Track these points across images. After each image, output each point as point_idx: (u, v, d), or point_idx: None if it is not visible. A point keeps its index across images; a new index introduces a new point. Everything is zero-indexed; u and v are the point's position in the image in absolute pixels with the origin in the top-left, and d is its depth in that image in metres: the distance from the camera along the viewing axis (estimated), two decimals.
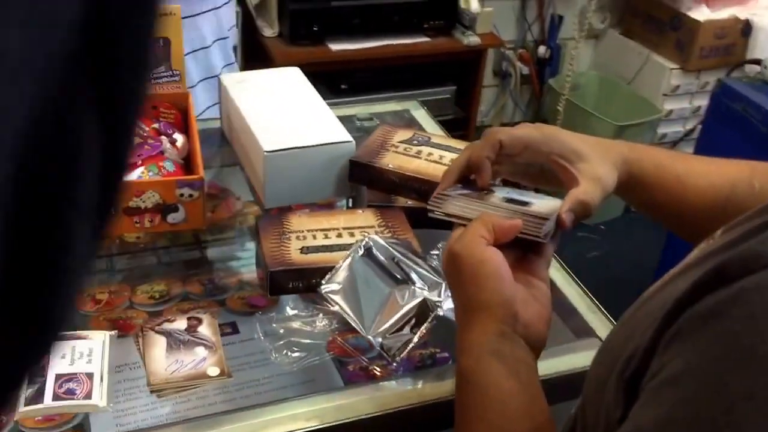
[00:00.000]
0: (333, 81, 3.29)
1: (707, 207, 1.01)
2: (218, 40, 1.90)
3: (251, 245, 1.50)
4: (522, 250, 0.95)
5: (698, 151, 2.20)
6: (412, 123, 1.85)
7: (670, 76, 3.87)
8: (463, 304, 0.92)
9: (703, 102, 3.90)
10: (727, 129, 2.08)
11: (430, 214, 1.03)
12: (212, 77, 1.87)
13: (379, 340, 1.17)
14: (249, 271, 1.42)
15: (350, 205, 1.53)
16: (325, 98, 1.62)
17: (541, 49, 4.07)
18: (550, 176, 1.05)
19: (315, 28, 3.27)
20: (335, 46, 3.31)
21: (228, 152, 1.66)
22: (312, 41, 3.29)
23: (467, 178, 1.06)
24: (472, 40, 3.47)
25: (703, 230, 0.77)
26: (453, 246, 0.92)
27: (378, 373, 1.20)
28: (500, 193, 1.05)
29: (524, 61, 4.09)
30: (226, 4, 1.89)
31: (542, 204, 1.00)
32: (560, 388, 1.16)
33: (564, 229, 0.96)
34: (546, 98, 4.14)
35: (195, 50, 1.82)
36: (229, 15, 1.94)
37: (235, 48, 2.01)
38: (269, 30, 3.27)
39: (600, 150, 1.01)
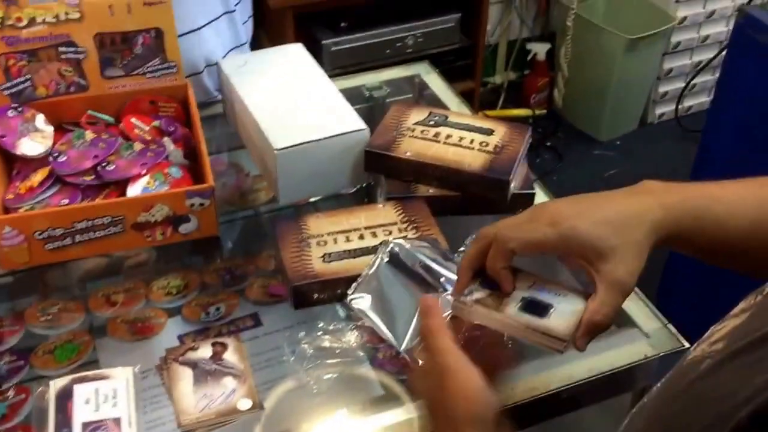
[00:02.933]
0: (332, 19, 3.17)
1: (756, 246, 0.93)
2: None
3: (265, 226, 1.48)
4: None
5: (721, 86, 2.10)
6: (424, 88, 1.77)
7: None
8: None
9: (716, 5, 3.80)
10: (751, 62, 1.99)
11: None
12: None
13: (413, 354, 1.11)
14: (266, 255, 1.38)
15: (364, 190, 1.47)
16: (324, 38, 1.54)
17: None
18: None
19: None
20: None
21: (233, 135, 1.59)
22: None
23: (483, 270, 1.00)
24: None
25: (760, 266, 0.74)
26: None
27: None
28: (521, 292, 0.98)
29: None
30: None
31: (564, 310, 0.95)
32: (609, 384, 1.17)
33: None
34: (553, 12, 4.02)
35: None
36: None
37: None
38: None
39: (627, 231, 0.92)
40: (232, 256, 1.42)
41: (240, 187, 1.54)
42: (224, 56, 1.74)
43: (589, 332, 0.92)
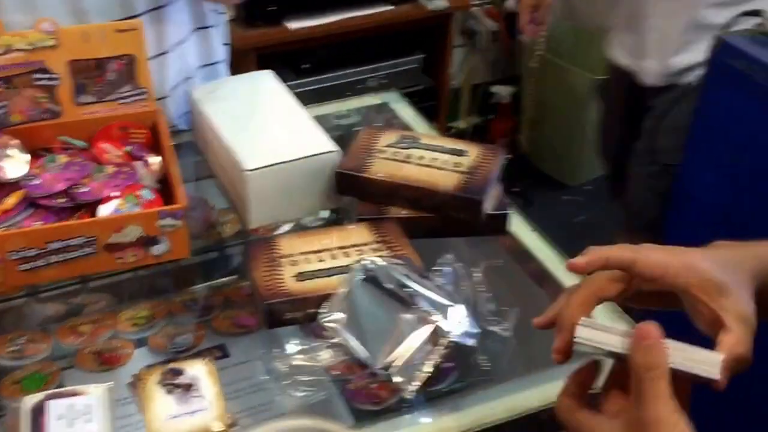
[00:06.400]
0: (294, 62, 3.21)
1: None
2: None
3: (232, 256, 1.47)
4: None
5: (699, 117, 2.10)
6: (393, 118, 1.79)
7: None
8: None
9: None
10: (729, 89, 2.00)
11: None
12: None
13: (389, 371, 1.11)
14: (234, 286, 1.38)
15: (335, 212, 1.47)
16: (287, 80, 1.56)
17: (510, 2, 3.96)
18: (664, 299, 0.92)
19: (271, 8, 3.17)
20: (293, 25, 3.21)
21: (200, 164, 1.60)
22: (268, 22, 3.19)
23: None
24: (438, 3, 3.37)
25: None
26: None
27: (383, 395, 1.15)
28: None
29: (492, 17, 3.98)
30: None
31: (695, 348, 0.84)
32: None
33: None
34: (517, 55, 4.05)
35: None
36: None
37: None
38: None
39: (737, 273, 0.88)
40: (199, 288, 1.41)
41: (206, 220, 1.54)
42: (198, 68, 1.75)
43: (731, 366, 0.82)
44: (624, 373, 0.81)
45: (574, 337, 0.85)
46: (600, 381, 0.87)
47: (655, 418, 0.75)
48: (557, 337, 0.89)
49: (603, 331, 0.84)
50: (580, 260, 0.90)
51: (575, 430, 0.83)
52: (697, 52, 2.14)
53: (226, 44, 1.83)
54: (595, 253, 0.90)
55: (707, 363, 0.80)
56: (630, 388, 0.79)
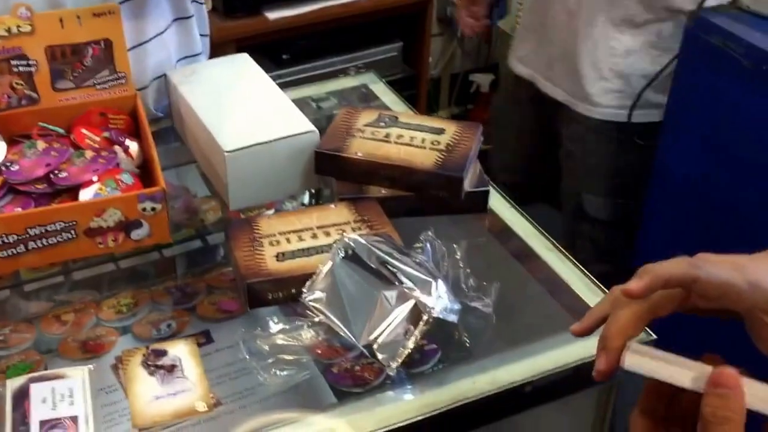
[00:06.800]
0: (274, 52, 3.20)
1: None
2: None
3: (215, 244, 1.46)
4: None
5: (675, 93, 2.10)
6: (369, 98, 1.79)
7: None
8: None
9: None
10: (705, 66, 2.00)
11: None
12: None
13: (372, 348, 1.11)
14: (216, 273, 1.37)
15: (315, 195, 1.48)
16: (267, 71, 1.56)
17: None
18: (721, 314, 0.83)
19: None
20: (273, 15, 3.19)
21: (180, 150, 1.60)
22: (248, 12, 3.17)
23: None
24: None
25: None
26: None
27: (366, 377, 1.15)
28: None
29: None
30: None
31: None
32: (571, 379, 1.14)
33: None
34: (497, 43, 4.04)
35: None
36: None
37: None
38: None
39: None
40: (182, 275, 1.41)
41: (188, 208, 1.54)
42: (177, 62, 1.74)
43: None
44: (688, 402, 0.75)
45: (624, 366, 0.76)
46: None
47: None
48: (601, 356, 0.80)
49: (658, 360, 0.74)
50: (638, 285, 0.80)
51: None
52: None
53: (204, 35, 1.83)
54: (653, 274, 0.80)
55: None
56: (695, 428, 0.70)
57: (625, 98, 2.16)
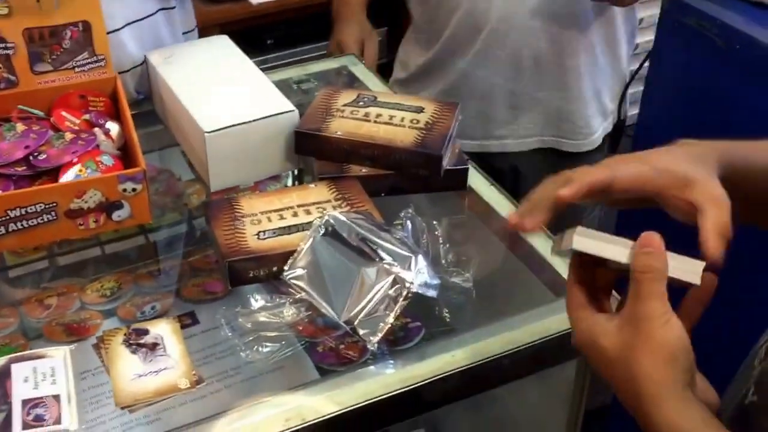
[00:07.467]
0: (257, 37, 3.19)
1: None
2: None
3: (199, 227, 1.46)
4: None
5: (652, 73, 2.13)
6: (352, 80, 1.79)
7: None
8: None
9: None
10: (681, 47, 2.02)
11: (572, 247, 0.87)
12: None
13: (353, 324, 1.12)
14: (201, 255, 1.38)
15: (296, 176, 1.48)
16: (251, 57, 1.56)
17: None
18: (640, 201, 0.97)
19: None
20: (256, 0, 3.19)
21: (163, 133, 1.59)
22: None
23: None
24: None
25: None
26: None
27: (350, 355, 1.16)
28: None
29: None
30: None
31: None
32: (549, 351, 1.14)
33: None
34: None
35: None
36: None
37: None
38: None
39: (703, 164, 0.93)
40: (165, 258, 1.42)
41: (172, 191, 1.54)
42: None
43: (722, 235, 0.86)
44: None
45: (572, 247, 0.86)
46: None
47: (649, 314, 0.79)
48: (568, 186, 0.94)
49: (599, 240, 0.85)
50: (566, 192, 0.93)
51: (577, 325, 0.86)
52: None
53: (188, 32, 1.83)
54: (578, 183, 0.93)
55: (692, 270, 0.83)
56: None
57: None
